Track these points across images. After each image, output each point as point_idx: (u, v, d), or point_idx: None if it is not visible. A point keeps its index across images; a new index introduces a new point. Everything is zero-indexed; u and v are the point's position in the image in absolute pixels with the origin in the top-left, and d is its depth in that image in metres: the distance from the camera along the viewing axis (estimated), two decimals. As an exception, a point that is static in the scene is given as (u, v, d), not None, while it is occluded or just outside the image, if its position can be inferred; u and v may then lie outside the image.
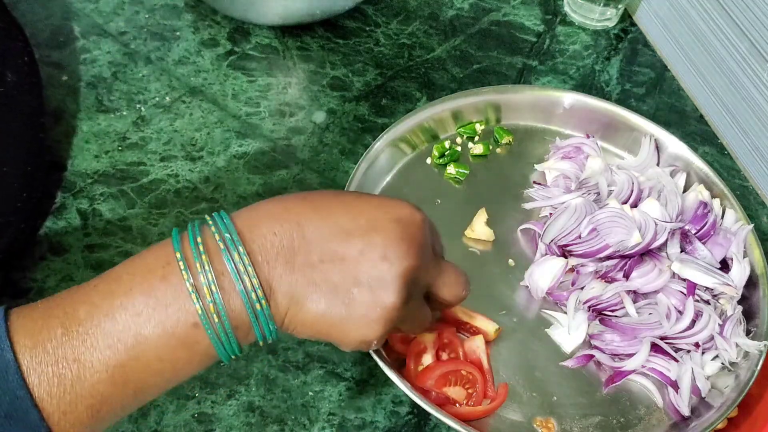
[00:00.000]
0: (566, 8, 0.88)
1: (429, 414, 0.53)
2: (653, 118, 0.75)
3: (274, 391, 0.57)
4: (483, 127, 0.71)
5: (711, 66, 0.78)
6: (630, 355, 0.57)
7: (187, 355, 0.38)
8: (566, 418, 0.55)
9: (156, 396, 0.40)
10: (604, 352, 0.58)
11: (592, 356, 0.58)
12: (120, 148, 0.70)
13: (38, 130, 0.64)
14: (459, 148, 0.70)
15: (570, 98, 0.71)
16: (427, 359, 0.56)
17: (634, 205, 0.63)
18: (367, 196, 0.44)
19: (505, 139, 0.71)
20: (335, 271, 0.40)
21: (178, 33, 0.80)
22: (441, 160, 0.68)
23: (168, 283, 0.38)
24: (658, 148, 0.69)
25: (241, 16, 0.79)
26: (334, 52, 0.80)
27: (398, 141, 0.67)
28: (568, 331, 0.59)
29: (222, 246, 0.38)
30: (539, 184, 0.66)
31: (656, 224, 0.60)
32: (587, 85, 0.81)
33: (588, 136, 0.70)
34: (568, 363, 0.58)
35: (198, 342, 0.38)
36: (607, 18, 0.86)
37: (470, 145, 0.70)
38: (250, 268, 0.38)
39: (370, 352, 0.54)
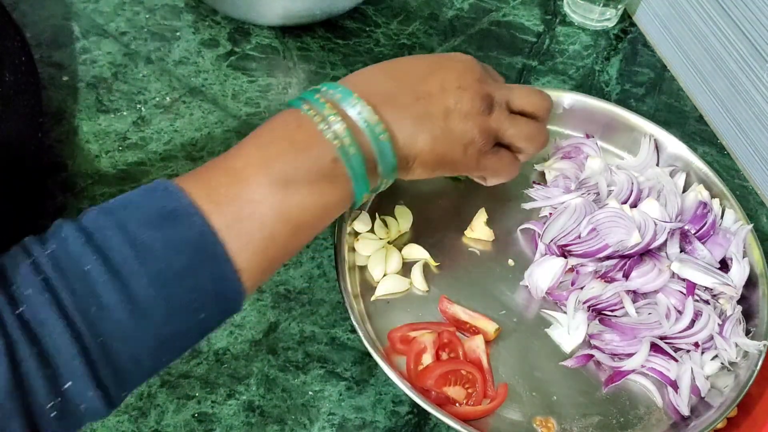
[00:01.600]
0: (566, 8, 0.88)
1: (429, 414, 0.53)
2: (653, 118, 0.75)
3: (274, 391, 0.57)
4: None
5: (711, 66, 0.78)
6: (629, 355, 0.57)
7: (330, 189, 0.44)
8: (566, 418, 0.55)
9: (309, 239, 0.46)
10: (604, 352, 0.58)
11: (591, 356, 0.58)
12: (120, 148, 0.70)
13: (37, 130, 0.64)
14: None
15: (570, 98, 0.71)
16: (427, 359, 0.56)
17: (634, 205, 0.63)
18: (428, 54, 0.54)
19: None
20: (428, 104, 0.49)
21: (178, 33, 0.80)
22: None
23: (305, 131, 0.44)
24: (657, 148, 0.69)
25: (241, 16, 0.79)
26: (334, 52, 0.81)
27: None
28: (568, 330, 0.59)
29: (339, 97, 0.46)
30: (539, 184, 0.66)
31: (656, 224, 0.60)
32: (587, 85, 0.81)
33: (588, 136, 0.70)
34: (568, 363, 0.58)
35: (338, 176, 0.44)
36: (606, 18, 0.86)
37: None
38: (367, 108, 0.45)
39: (370, 352, 0.54)
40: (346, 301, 0.56)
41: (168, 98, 0.74)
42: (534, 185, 0.66)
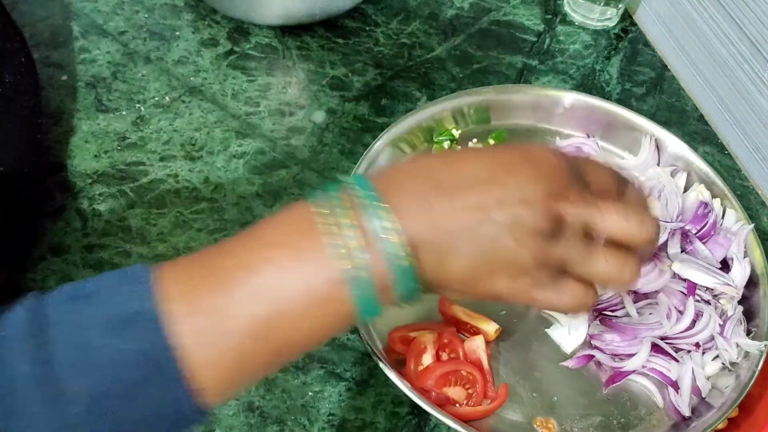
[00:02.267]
0: (566, 8, 0.88)
1: (429, 414, 0.53)
2: (653, 117, 0.75)
3: (274, 392, 0.57)
4: (460, 131, 0.70)
5: (711, 66, 0.78)
6: (630, 355, 0.57)
7: (328, 312, 0.37)
8: (566, 419, 0.55)
9: (296, 356, 0.40)
10: (605, 352, 0.58)
11: (592, 356, 0.58)
12: (119, 147, 0.70)
13: (36, 130, 0.64)
14: (459, 148, 0.69)
15: (570, 98, 0.71)
16: (427, 359, 0.55)
17: None
18: (498, 147, 0.44)
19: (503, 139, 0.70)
20: (475, 221, 0.38)
21: (177, 32, 0.80)
22: None
23: (312, 239, 0.37)
24: (658, 148, 0.69)
25: (240, 16, 0.79)
26: (333, 51, 0.80)
27: (398, 141, 0.67)
28: (569, 331, 0.59)
29: (364, 202, 0.37)
30: None
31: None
32: (587, 84, 0.81)
33: (588, 136, 0.70)
34: (569, 363, 0.58)
35: (341, 300, 0.37)
36: (607, 18, 0.86)
37: (470, 144, 0.69)
38: (393, 224, 0.37)
39: (370, 351, 0.53)
40: None
41: (167, 98, 0.74)
42: None
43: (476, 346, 0.57)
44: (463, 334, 0.58)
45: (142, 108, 0.73)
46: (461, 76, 0.80)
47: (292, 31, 0.81)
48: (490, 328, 0.58)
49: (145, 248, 0.64)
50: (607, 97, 0.80)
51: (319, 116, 0.75)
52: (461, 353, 0.57)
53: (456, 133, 0.69)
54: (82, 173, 0.68)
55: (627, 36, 0.87)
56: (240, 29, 0.81)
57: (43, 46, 0.76)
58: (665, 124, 0.72)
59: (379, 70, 0.79)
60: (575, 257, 0.40)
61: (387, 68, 0.80)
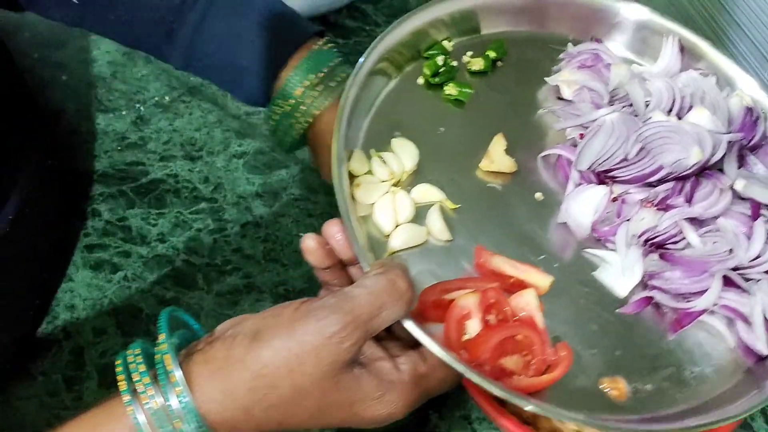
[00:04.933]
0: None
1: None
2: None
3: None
4: (452, 43, 0.58)
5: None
6: (699, 293, 0.48)
7: None
8: (635, 375, 0.46)
9: None
10: (667, 293, 0.49)
11: (650, 299, 0.49)
12: (119, 148, 0.70)
13: (32, 130, 0.64)
14: (455, 63, 0.58)
15: None
16: (474, 326, 0.45)
17: (679, 117, 0.53)
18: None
19: (502, 52, 0.59)
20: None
21: (177, 33, 0.80)
22: (435, 80, 0.56)
23: None
24: (683, 49, 0.58)
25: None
26: (333, 51, 0.80)
27: (380, 63, 0.54)
28: (621, 271, 0.50)
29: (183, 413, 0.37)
30: (563, 100, 0.56)
31: (712, 137, 0.50)
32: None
33: (596, 40, 0.59)
34: (626, 309, 0.49)
35: None
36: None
37: (465, 59, 0.58)
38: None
39: (410, 327, 0.43)
40: (359, 256, 0.44)
41: (167, 98, 0.74)
42: (558, 101, 0.56)
43: (527, 302, 0.47)
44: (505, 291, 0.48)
45: (142, 108, 0.73)
46: (461, 75, 0.80)
47: (292, 31, 0.81)
48: (543, 280, 0.48)
49: (145, 248, 0.64)
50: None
51: (319, 116, 0.75)
52: (510, 313, 0.46)
53: (448, 45, 0.58)
54: (82, 173, 0.68)
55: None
56: (240, 29, 0.81)
57: (43, 46, 0.76)
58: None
59: (379, 69, 0.79)
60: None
61: (387, 68, 0.80)
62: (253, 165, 0.70)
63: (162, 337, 0.39)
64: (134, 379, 0.38)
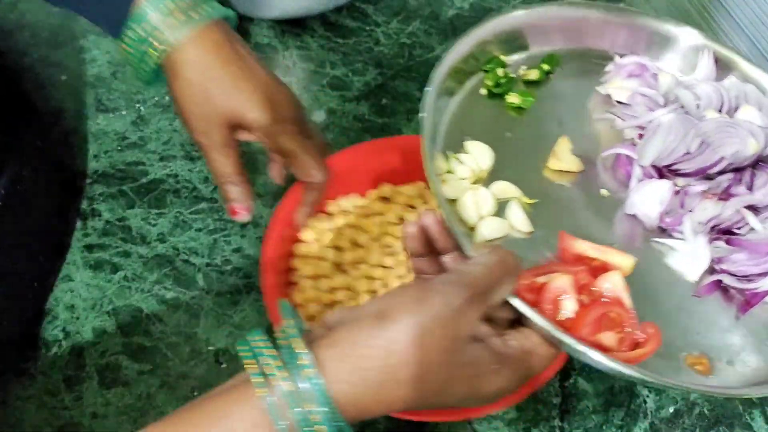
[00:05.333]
0: (566, 7, 0.87)
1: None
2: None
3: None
4: (506, 58, 0.62)
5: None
6: (764, 274, 0.52)
7: None
8: (717, 351, 0.50)
9: None
10: (734, 275, 0.53)
11: (719, 282, 0.53)
12: (119, 147, 0.70)
13: (26, 131, 0.64)
14: (513, 75, 0.62)
15: (599, 12, 0.63)
16: (570, 305, 0.48)
17: (728, 115, 0.58)
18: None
19: (555, 64, 0.63)
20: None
21: (177, 32, 0.80)
22: (498, 89, 0.60)
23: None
24: (717, 61, 0.62)
25: (242, 10, 0.79)
26: (333, 51, 0.80)
27: (445, 83, 0.58)
28: (691, 257, 0.53)
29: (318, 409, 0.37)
30: (622, 103, 0.60)
31: (763, 131, 0.55)
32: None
33: (633, 54, 0.64)
34: (699, 292, 0.53)
35: None
36: (607, 17, 0.86)
37: (521, 71, 0.62)
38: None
39: (517, 303, 0.46)
40: (461, 240, 0.47)
41: (167, 97, 0.74)
42: (617, 105, 0.61)
43: (613, 283, 0.49)
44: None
45: (141, 108, 0.73)
46: (461, 75, 0.80)
47: (291, 31, 0.81)
48: (627, 261, 0.52)
49: (145, 248, 0.64)
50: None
51: (319, 116, 0.75)
52: (598, 294, 0.49)
53: (506, 59, 0.62)
54: (82, 173, 0.68)
55: (627, 36, 0.87)
56: (240, 29, 0.81)
57: (43, 46, 0.76)
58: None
59: (379, 69, 0.79)
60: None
61: (387, 68, 0.80)
62: (254, 165, 0.70)
63: (286, 322, 0.40)
64: (264, 363, 0.38)
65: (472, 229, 0.52)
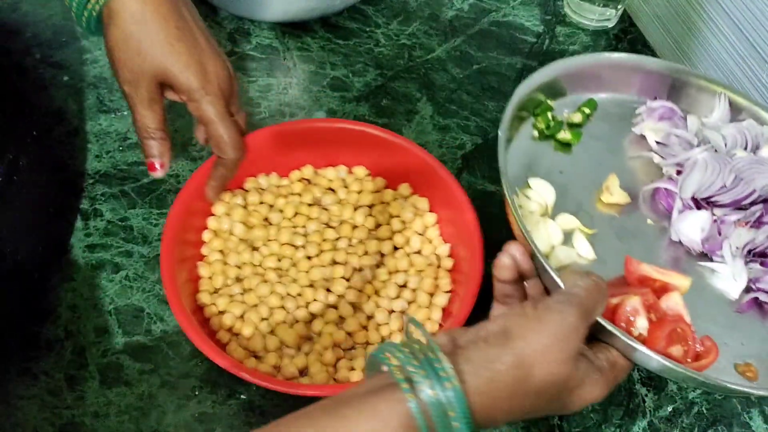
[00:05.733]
0: (566, 8, 0.88)
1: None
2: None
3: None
4: (551, 101, 0.69)
5: (710, 66, 0.78)
6: None
7: None
8: (761, 360, 0.56)
9: None
10: None
11: (757, 299, 0.59)
12: (121, 148, 0.70)
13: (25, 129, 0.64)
14: (561, 118, 0.68)
15: (626, 59, 0.70)
16: (642, 323, 0.53)
17: (753, 153, 0.64)
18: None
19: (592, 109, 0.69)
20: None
21: (178, 33, 0.80)
22: (548, 131, 0.66)
23: None
24: (731, 105, 0.68)
25: (243, 13, 0.80)
26: (334, 52, 0.81)
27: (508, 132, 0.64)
28: (732, 278, 0.60)
29: (456, 415, 0.40)
30: (661, 144, 0.67)
31: None
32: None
33: (656, 98, 0.69)
34: (740, 309, 0.59)
35: None
36: (606, 18, 0.86)
37: (564, 114, 0.68)
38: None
39: (604, 322, 0.51)
40: (540, 259, 0.52)
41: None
42: (657, 145, 0.67)
43: (675, 302, 0.55)
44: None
45: (143, 108, 0.73)
46: (461, 76, 0.80)
47: (292, 32, 0.82)
48: (684, 282, 0.57)
49: (146, 248, 0.64)
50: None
51: (320, 117, 0.75)
52: (662, 312, 0.55)
53: (551, 104, 0.68)
54: (84, 173, 0.68)
55: (626, 37, 0.87)
56: (240, 30, 0.81)
57: (45, 47, 0.77)
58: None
59: (380, 70, 0.80)
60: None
61: (387, 69, 0.80)
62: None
63: (422, 335, 0.43)
64: (409, 370, 0.40)
65: (546, 257, 0.57)
